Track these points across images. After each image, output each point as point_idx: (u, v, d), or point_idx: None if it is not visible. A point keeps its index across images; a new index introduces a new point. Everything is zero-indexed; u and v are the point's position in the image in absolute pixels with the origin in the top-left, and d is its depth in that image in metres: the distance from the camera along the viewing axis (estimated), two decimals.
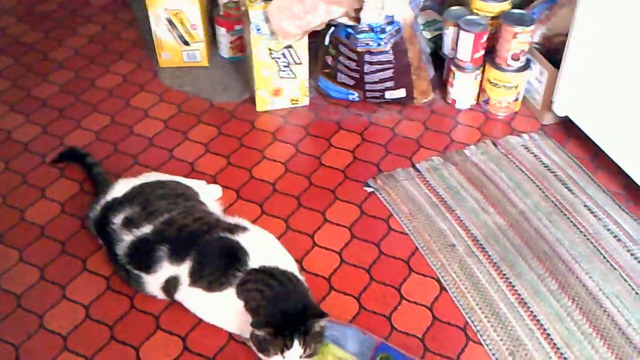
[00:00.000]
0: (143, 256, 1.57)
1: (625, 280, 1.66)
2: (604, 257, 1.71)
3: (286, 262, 1.56)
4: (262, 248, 1.56)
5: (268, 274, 1.49)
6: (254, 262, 1.50)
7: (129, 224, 1.61)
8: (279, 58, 2.05)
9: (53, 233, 1.77)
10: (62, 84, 2.27)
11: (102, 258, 1.69)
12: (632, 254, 1.72)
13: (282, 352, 1.38)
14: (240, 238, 1.55)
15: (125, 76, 2.31)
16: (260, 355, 1.42)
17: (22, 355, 1.49)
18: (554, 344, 1.53)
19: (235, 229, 1.58)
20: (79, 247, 1.73)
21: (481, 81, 2.14)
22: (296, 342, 1.37)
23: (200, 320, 1.56)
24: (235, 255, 1.52)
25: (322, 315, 1.41)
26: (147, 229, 1.58)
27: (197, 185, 1.81)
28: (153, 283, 1.57)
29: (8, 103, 2.19)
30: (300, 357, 1.39)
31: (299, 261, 1.67)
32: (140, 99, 2.22)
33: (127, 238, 1.59)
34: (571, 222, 1.80)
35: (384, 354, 1.45)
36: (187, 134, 2.08)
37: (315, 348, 1.41)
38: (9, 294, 1.62)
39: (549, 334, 1.54)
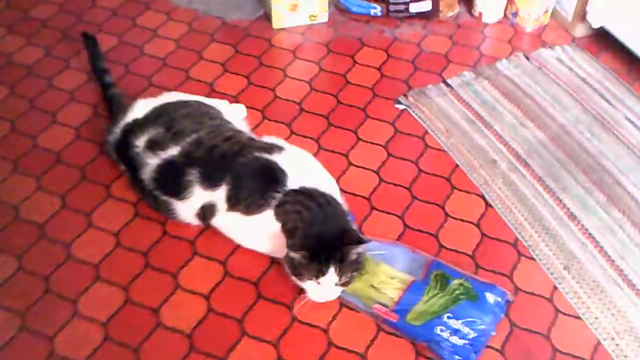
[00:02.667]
0: (172, 181, 1.47)
1: None
2: None
3: (327, 183, 1.48)
4: (301, 168, 1.47)
5: (307, 195, 1.40)
6: (292, 183, 1.41)
7: (153, 145, 1.50)
8: None
9: (70, 159, 1.66)
10: (61, 3, 2.11)
11: (127, 183, 1.58)
12: None
13: (316, 277, 1.31)
14: (277, 158, 1.46)
15: None
16: (293, 279, 1.35)
17: (52, 287, 1.40)
18: (609, 256, 1.47)
19: (270, 148, 1.49)
20: (100, 173, 1.62)
21: None
22: (332, 269, 1.30)
23: (239, 245, 1.47)
24: (273, 175, 1.42)
25: (361, 241, 1.33)
26: (173, 150, 1.48)
27: (221, 105, 1.70)
28: (186, 209, 1.48)
29: (5, 24, 2.03)
30: (335, 284, 1.32)
31: (336, 181, 1.58)
32: (147, 18, 2.07)
33: (153, 161, 1.48)
34: (614, 134, 1.73)
35: (439, 272, 1.39)
36: (202, 54, 1.95)
37: (351, 277, 1.34)
38: (30, 223, 1.51)
39: (602, 247, 1.49)
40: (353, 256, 1.33)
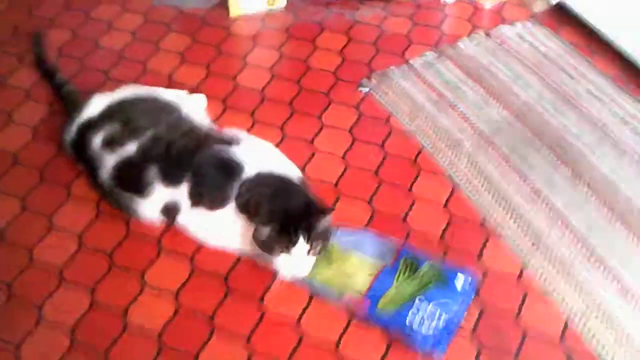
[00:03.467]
0: (132, 179, 1.45)
1: (638, 163, 1.61)
2: (614, 142, 1.66)
3: (286, 169, 1.46)
4: (260, 158, 1.45)
5: (264, 177, 1.40)
6: (250, 171, 1.40)
7: (110, 143, 1.47)
8: None
9: (28, 160, 1.62)
10: None
11: (88, 182, 1.54)
12: None
13: (287, 248, 1.31)
14: (235, 149, 1.44)
15: None
16: (265, 257, 1.34)
17: (16, 293, 1.37)
18: (576, 231, 1.48)
19: (228, 140, 1.47)
20: (60, 172, 1.58)
21: None
22: (301, 238, 1.30)
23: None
24: (231, 168, 1.41)
25: (325, 211, 1.34)
26: (132, 147, 1.45)
27: (179, 96, 1.67)
28: (149, 208, 1.45)
29: None
30: (307, 253, 1.32)
31: (302, 169, 1.56)
32: (101, 11, 2.02)
33: (111, 159, 1.45)
34: (577, 109, 1.74)
35: (409, 257, 1.38)
36: (159, 44, 1.91)
37: (322, 246, 1.34)
38: None
39: (569, 223, 1.49)
40: (320, 227, 1.33)
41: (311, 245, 1.32)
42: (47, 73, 1.77)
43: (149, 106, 1.57)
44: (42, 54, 1.79)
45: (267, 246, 1.33)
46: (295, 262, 1.33)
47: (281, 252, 1.32)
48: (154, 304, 1.35)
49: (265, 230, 1.31)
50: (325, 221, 1.34)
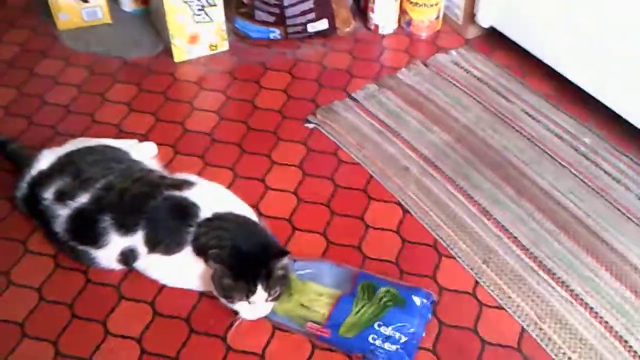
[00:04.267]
0: (86, 230, 1.45)
1: (576, 176, 1.70)
2: (552, 157, 1.74)
3: (240, 208, 1.49)
4: (212, 199, 1.48)
5: (221, 219, 1.42)
6: (205, 214, 1.42)
7: (62, 196, 1.48)
8: (192, 1, 1.93)
9: None
10: None
11: (44, 236, 1.55)
12: (576, 150, 1.76)
13: (246, 297, 1.32)
14: (188, 193, 1.46)
15: (22, 45, 2.12)
16: (225, 302, 1.36)
17: None
18: (523, 245, 1.54)
19: (180, 184, 1.49)
20: (14, 229, 1.58)
21: (401, 3, 2.10)
22: (260, 286, 1.32)
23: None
24: (185, 211, 1.43)
25: (283, 253, 1.36)
26: (83, 198, 1.46)
27: (129, 145, 1.69)
28: (106, 257, 1.46)
29: None
30: (266, 300, 1.35)
31: (255, 207, 1.60)
32: (45, 67, 2.04)
33: (64, 212, 1.46)
34: (514, 128, 1.82)
35: (365, 282, 1.42)
36: (105, 96, 1.94)
37: (279, 291, 1.36)
38: None
39: (516, 237, 1.56)
40: (279, 271, 1.35)
41: (270, 293, 1.34)
42: None
43: (99, 156, 1.58)
44: None
45: (227, 295, 1.34)
46: (254, 308, 1.35)
47: (240, 300, 1.34)
48: (117, 351, 1.35)
49: (223, 279, 1.32)
50: (284, 264, 1.36)
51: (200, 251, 1.38)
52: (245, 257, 1.34)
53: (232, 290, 1.33)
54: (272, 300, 1.36)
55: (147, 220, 1.42)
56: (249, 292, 1.32)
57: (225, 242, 1.36)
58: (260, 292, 1.32)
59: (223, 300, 1.36)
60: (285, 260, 1.36)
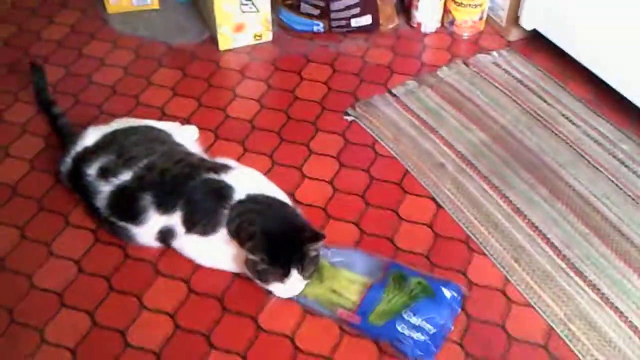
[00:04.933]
0: (127, 207, 1.50)
1: (612, 181, 1.69)
2: (588, 162, 1.74)
3: (274, 193, 1.52)
4: (249, 183, 1.51)
5: (254, 201, 1.45)
6: (239, 196, 1.45)
7: (105, 173, 1.52)
8: None
9: (26, 191, 1.66)
10: (5, 38, 2.12)
11: (85, 211, 1.60)
12: (613, 156, 1.76)
13: (281, 279, 1.36)
14: (225, 176, 1.49)
15: (73, 26, 2.18)
16: (259, 283, 1.40)
17: (17, 318, 1.41)
18: (554, 246, 1.55)
19: (219, 168, 1.52)
20: (58, 202, 1.63)
21: (445, 2, 2.12)
22: (294, 270, 1.35)
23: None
24: (222, 193, 1.46)
25: (318, 237, 1.39)
26: (126, 176, 1.50)
27: (172, 127, 1.73)
28: (144, 234, 1.50)
29: None
30: (301, 280, 1.38)
31: (291, 194, 1.63)
32: (93, 48, 2.09)
33: (106, 188, 1.51)
34: (552, 131, 1.82)
35: (397, 272, 1.44)
36: (150, 79, 1.98)
37: (312, 272, 1.39)
38: None
39: (548, 238, 1.57)
40: (312, 253, 1.38)
41: (304, 274, 1.37)
42: (45, 104, 1.82)
43: (143, 136, 1.62)
44: (42, 85, 1.85)
45: (261, 277, 1.38)
46: (288, 287, 1.38)
47: (275, 282, 1.37)
48: (152, 325, 1.40)
49: (259, 262, 1.35)
50: (317, 247, 1.39)
51: (234, 234, 1.41)
52: (279, 241, 1.37)
53: (268, 274, 1.36)
54: (306, 279, 1.39)
55: (186, 201, 1.46)
56: (284, 276, 1.35)
57: (257, 226, 1.39)
58: (295, 275, 1.36)
59: (258, 282, 1.39)
60: (319, 244, 1.39)
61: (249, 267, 1.38)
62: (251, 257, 1.36)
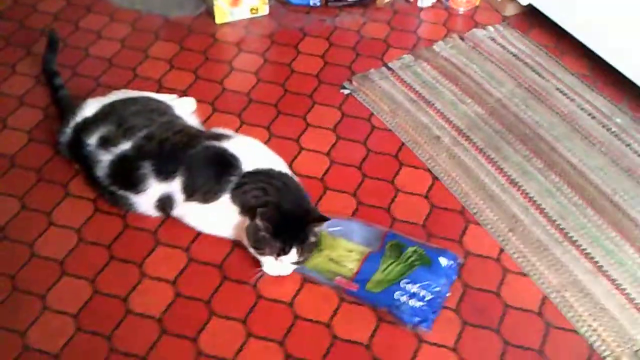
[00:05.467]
0: (126, 175, 1.51)
1: (605, 154, 1.72)
2: (583, 135, 1.76)
3: (278, 164, 1.53)
4: (251, 152, 1.52)
5: (265, 175, 1.46)
6: (246, 166, 1.46)
7: (105, 143, 1.53)
8: None
9: (25, 162, 1.67)
10: (1, 10, 2.11)
11: (84, 181, 1.61)
12: (607, 129, 1.78)
13: (278, 255, 1.37)
14: (227, 144, 1.51)
15: None
16: (254, 252, 1.41)
17: (19, 285, 1.42)
18: (549, 217, 1.57)
19: (219, 137, 1.54)
20: (56, 173, 1.64)
21: None
22: (294, 249, 1.36)
23: (201, 232, 1.52)
24: (225, 161, 1.47)
25: (323, 219, 1.40)
26: (125, 146, 1.51)
27: (170, 99, 1.74)
28: (144, 202, 1.52)
29: None
30: (293, 262, 1.39)
31: (289, 166, 1.63)
32: (89, 21, 2.09)
33: (105, 158, 1.52)
34: (547, 105, 1.84)
35: (394, 242, 1.46)
36: (147, 52, 1.99)
37: (307, 257, 1.41)
38: None
39: (543, 209, 1.59)
40: (313, 237, 1.39)
41: (300, 256, 1.38)
42: (49, 74, 1.82)
43: (142, 107, 1.63)
44: (52, 55, 1.85)
45: (259, 246, 1.38)
46: (279, 265, 1.40)
47: (270, 255, 1.38)
48: (153, 292, 1.41)
49: (261, 232, 1.36)
50: (317, 231, 1.41)
51: (240, 202, 1.42)
52: (287, 218, 1.38)
53: (267, 245, 1.37)
54: (296, 264, 1.40)
55: (186, 168, 1.47)
56: (282, 252, 1.37)
57: (269, 198, 1.40)
58: (292, 254, 1.37)
59: (252, 250, 1.41)
60: (323, 225, 1.41)
61: (249, 231, 1.39)
62: (257, 222, 1.36)
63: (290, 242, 1.36)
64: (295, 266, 1.41)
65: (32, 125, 1.76)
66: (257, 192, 1.42)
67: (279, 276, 1.42)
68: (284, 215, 1.38)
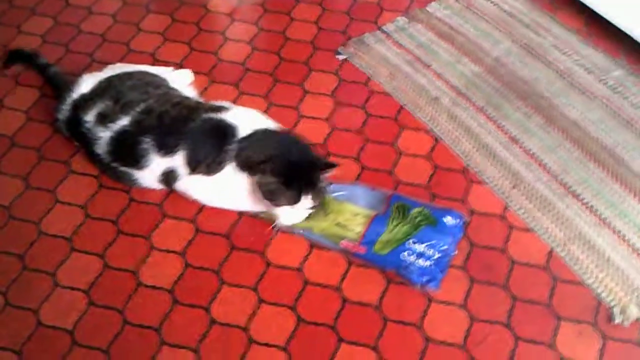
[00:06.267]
0: (128, 151, 1.50)
1: (606, 106, 1.72)
2: (581, 90, 1.76)
3: (274, 127, 1.53)
4: (249, 120, 1.52)
5: (263, 133, 1.47)
6: (244, 132, 1.47)
7: (103, 119, 1.52)
8: None
9: (25, 141, 1.67)
10: None
11: (86, 158, 1.60)
12: (605, 83, 1.78)
13: (292, 203, 1.39)
14: (225, 115, 1.50)
15: None
16: (267, 206, 1.43)
17: (29, 263, 1.43)
18: (552, 172, 1.58)
19: (217, 108, 1.53)
20: (58, 151, 1.64)
21: None
22: (306, 195, 1.39)
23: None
24: (224, 131, 1.47)
25: (332, 165, 1.42)
26: (124, 121, 1.51)
27: (166, 72, 1.73)
28: (147, 177, 1.52)
29: None
30: (307, 208, 1.42)
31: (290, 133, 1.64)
32: None
33: (105, 135, 1.51)
34: (543, 62, 1.84)
35: (399, 203, 1.47)
36: (140, 25, 1.97)
37: (319, 202, 1.43)
38: None
39: (545, 164, 1.60)
40: (322, 183, 1.42)
41: (314, 201, 1.41)
42: (28, 59, 1.81)
43: (138, 81, 1.62)
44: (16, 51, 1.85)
45: (272, 197, 1.40)
46: (295, 213, 1.42)
47: (285, 205, 1.40)
48: (162, 264, 1.42)
49: (272, 185, 1.38)
50: (323, 177, 1.43)
51: (245, 164, 1.43)
52: (295, 167, 1.40)
53: (280, 196, 1.39)
54: (313, 208, 1.42)
55: (187, 141, 1.47)
56: (295, 200, 1.39)
57: (271, 152, 1.41)
58: (305, 201, 1.39)
59: (264, 204, 1.42)
60: (331, 171, 1.43)
61: (260, 187, 1.40)
62: (265, 179, 1.38)
63: (303, 189, 1.39)
64: (309, 211, 1.43)
65: (29, 104, 1.75)
66: (258, 149, 1.43)
67: (288, 242, 1.44)
68: (292, 165, 1.40)
